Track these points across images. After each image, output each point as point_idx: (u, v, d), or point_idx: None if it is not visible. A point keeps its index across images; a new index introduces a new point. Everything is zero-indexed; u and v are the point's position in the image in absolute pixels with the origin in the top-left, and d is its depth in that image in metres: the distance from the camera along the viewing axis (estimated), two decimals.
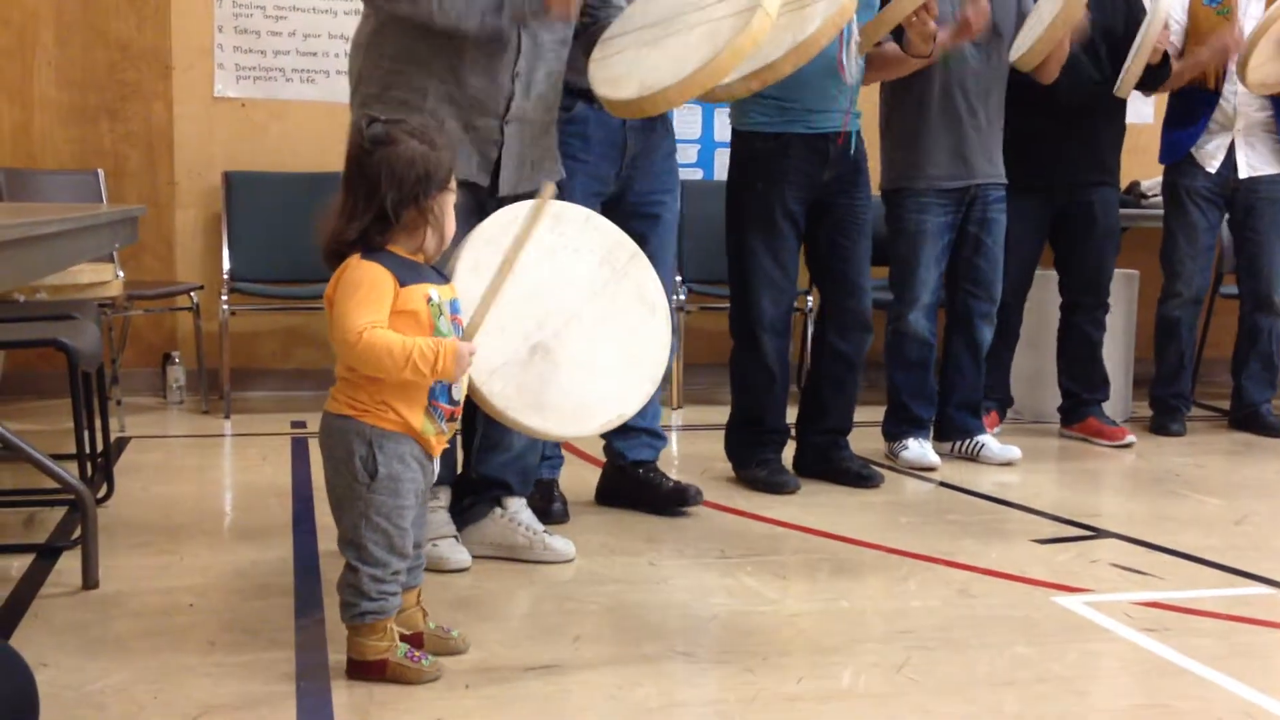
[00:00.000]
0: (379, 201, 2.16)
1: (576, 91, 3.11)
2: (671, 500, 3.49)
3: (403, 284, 2.17)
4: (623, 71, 2.83)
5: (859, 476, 3.88)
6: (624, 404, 2.53)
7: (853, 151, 3.75)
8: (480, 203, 2.85)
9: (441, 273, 2.31)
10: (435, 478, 2.33)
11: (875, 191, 3.99)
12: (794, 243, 3.79)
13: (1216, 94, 4.72)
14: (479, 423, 2.98)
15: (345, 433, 2.21)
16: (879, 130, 4.22)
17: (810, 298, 5.37)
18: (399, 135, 2.18)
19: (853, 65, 3.66)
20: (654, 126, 3.39)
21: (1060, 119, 4.42)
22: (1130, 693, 2.37)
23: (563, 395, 2.45)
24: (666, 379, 2.61)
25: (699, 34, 2.75)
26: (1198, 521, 3.57)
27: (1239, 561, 3.16)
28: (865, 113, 3.87)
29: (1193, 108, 4.77)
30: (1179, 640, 2.56)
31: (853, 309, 3.84)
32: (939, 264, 4.15)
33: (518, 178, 2.93)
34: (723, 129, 5.69)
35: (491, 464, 3.07)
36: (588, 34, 3.02)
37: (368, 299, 2.14)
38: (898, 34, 3.77)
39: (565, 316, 2.50)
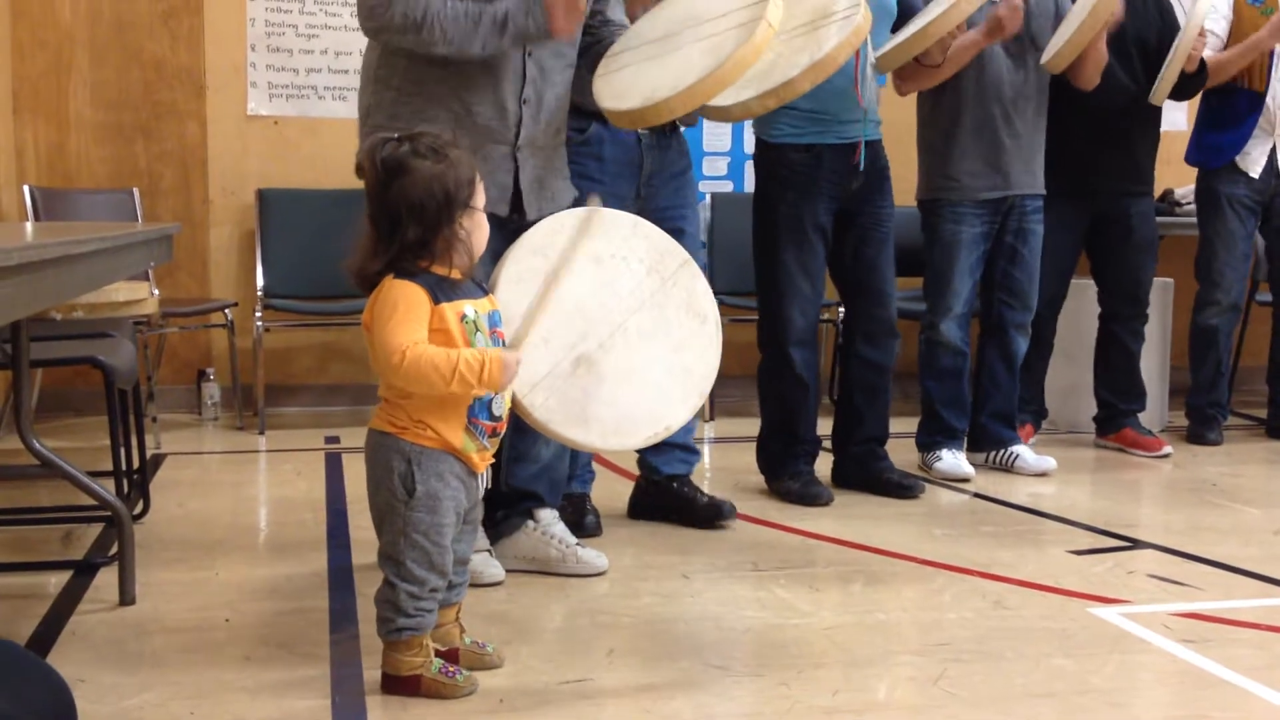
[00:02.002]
0: (402, 235, 2.14)
1: (590, 113, 3.11)
2: (706, 516, 3.48)
3: (436, 302, 2.15)
4: (627, 85, 2.82)
5: (900, 487, 3.87)
6: (670, 416, 2.48)
7: (864, 162, 3.72)
8: (501, 224, 2.84)
9: (480, 285, 2.29)
10: (482, 493, 2.33)
11: (904, 201, 3.98)
12: (822, 254, 3.78)
13: (1262, 96, 4.68)
14: (506, 435, 2.98)
15: (386, 449, 2.21)
16: (916, 140, 4.21)
17: (841, 309, 5.36)
18: (412, 161, 2.14)
19: (869, 87, 3.65)
20: (669, 144, 3.40)
21: (1097, 127, 4.39)
22: (1169, 704, 2.34)
23: (607, 408, 2.42)
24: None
25: (702, 47, 2.75)
26: (1236, 531, 3.53)
27: (1278, 571, 3.12)
28: (899, 121, 3.87)
29: (1237, 110, 4.73)
30: (1218, 651, 2.54)
31: (880, 316, 3.84)
32: (973, 274, 4.14)
33: (540, 202, 2.93)
34: (752, 141, 5.68)
35: (521, 476, 3.08)
36: (591, 54, 3.02)
37: (406, 318, 2.13)
38: None
39: (611, 327, 2.46)
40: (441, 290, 2.17)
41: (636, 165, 3.31)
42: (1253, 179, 4.72)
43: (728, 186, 5.74)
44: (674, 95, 2.69)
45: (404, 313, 2.13)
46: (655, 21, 2.98)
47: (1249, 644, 2.61)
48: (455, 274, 2.21)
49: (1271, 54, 4.63)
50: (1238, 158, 4.73)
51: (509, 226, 2.83)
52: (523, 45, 2.84)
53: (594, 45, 3.03)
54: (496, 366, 2.14)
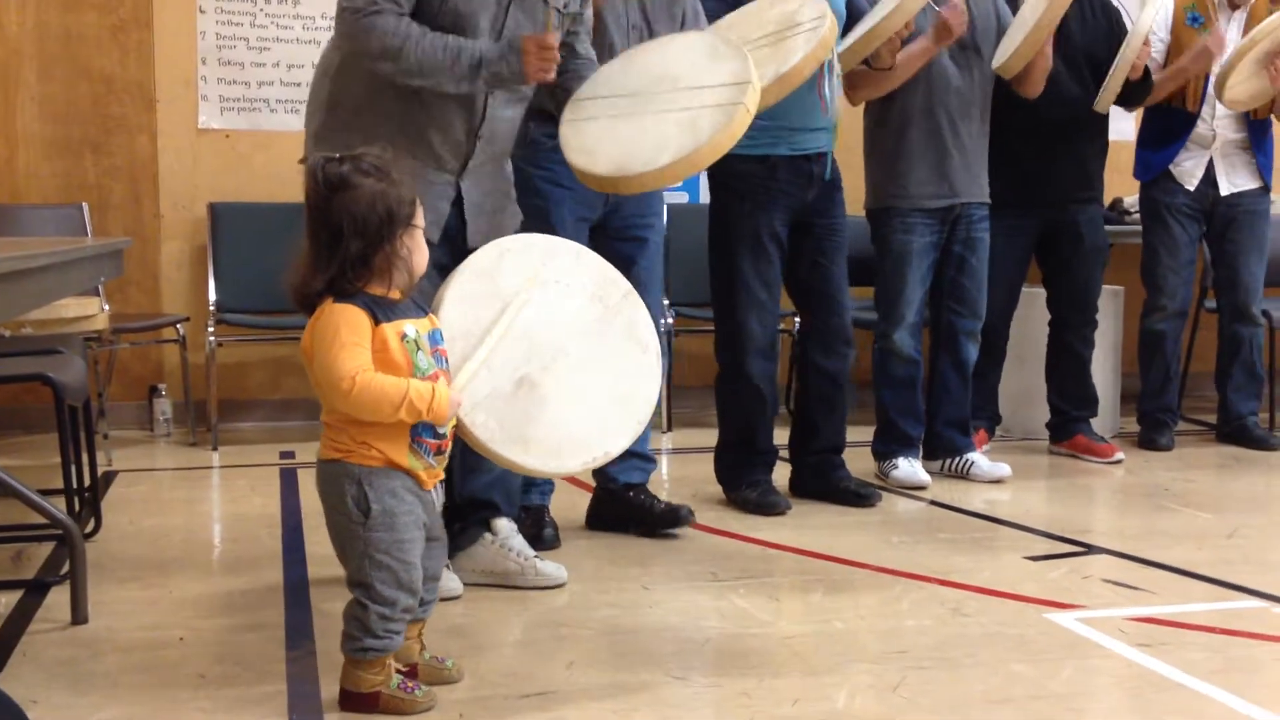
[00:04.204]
0: (344, 250, 2.13)
1: (559, 120, 3.10)
2: (664, 521, 3.48)
3: (377, 322, 2.15)
4: (596, 143, 2.83)
5: (856, 495, 3.88)
6: (609, 443, 2.48)
7: (829, 173, 3.77)
8: (451, 244, 2.85)
9: (419, 304, 2.29)
10: (439, 506, 2.33)
11: (853, 211, 4.01)
12: (779, 264, 3.80)
13: (1195, 115, 4.75)
14: (456, 450, 2.97)
15: (336, 476, 2.21)
16: (863, 150, 4.24)
17: (797, 319, 5.38)
18: (355, 178, 2.15)
19: (834, 99, 3.67)
20: None
21: (1046, 137, 4.43)
22: (1125, 708, 2.37)
23: (547, 430, 2.42)
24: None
25: (677, 122, 2.76)
26: (1189, 535, 3.57)
27: (1231, 575, 3.16)
28: (846, 132, 3.89)
29: (1171, 128, 4.80)
30: (1173, 655, 2.56)
31: (836, 326, 3.86)
32: (924, 283, 4.16)
33: (488, 228, 2.93)
34: None
35: (474, 485, 3.06)
36: (562, 82, 3.00)
37: (350, 342, 2.12)
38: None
39: (553, 352, 2.46)
40: (381, 310, 2.17)
41: None
42: (1189, 190, 4.79)
43: (683, 198, 5.75)
44: (646, 173, 2.72)
45: (346, 337, 2.13)
46: (627, 70, 2.98)
47: (1203, 647, 2.64)
48: (394, 294, 2.21)
49: (1205, 76, 4.69)
50: (1172, 168, 4.80)
51: (458, 245, 2.82)
52: (497, 88, 2.85)
53: (559, 75, 3.02)
54: (442, 403, 2.17)
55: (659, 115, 2.79)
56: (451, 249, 2.86)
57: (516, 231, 2.98)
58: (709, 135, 2.68)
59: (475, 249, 2.62)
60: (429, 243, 2.82)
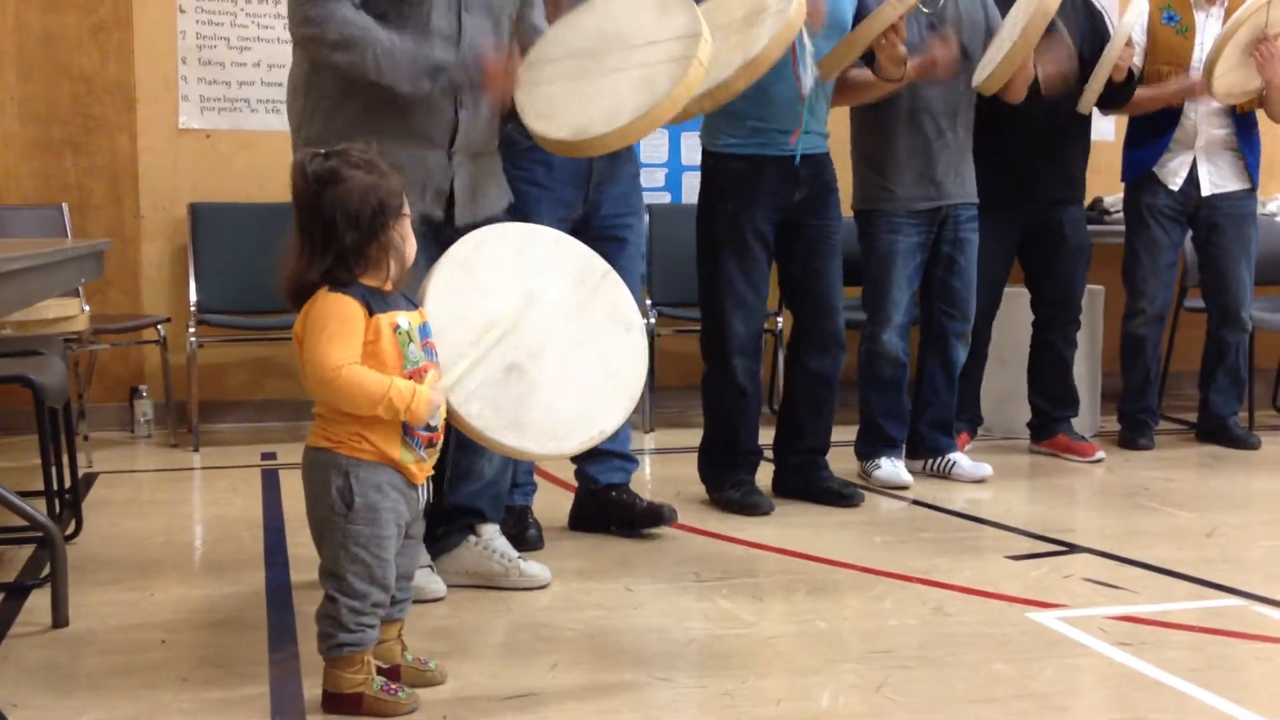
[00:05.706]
0: (338, 243, 2.15)
1: None
2: (646, 520, 3.49)
3: (371, 313, 2.17)
4: (553, 107, 2.83)
5: (839, 496, 3.88)
6: (604, 421, 2.50)
7: (805, 172, 3.75)
8: (436, 233, 2.84)
9: (409, 298, 2.31)
10: (423, 505, 2.33)
11: (846, 212, 4.01)
12: (765, 264, 3.80)
13: (1178, 111, 4.77)
14: (450, 452, 2.97)
15: (323, 465, 2.21)
16: (850, 151, 4.25)
17: (780, 319, 5.39)
18: (345, 170, 2.16)
19: (808, 76, 3.66)
20: (618, 152, 3.39)
21: (1029, 137, 4.44)
22: (1107, 707, 2.38)
23: (541, 414, 2.44)
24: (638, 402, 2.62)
25: (634, 79, 2.76)
26: (1169, 535, 3.59)
27: (1211, 574, 3.18)
28: (835, 134, 3.89)
29: (1155, 125, 4.81)
30: (1154, 654, 2.58)
31: (828, 328, 3.85)
32: (911, 284, 4.17)
33: (473, 208, 2.93)
34: (690, 152, 5.71)
35: (463, 493, 3.06)
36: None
37: (340, 333, 2.14)
38: (868, 59, 3.80)
39: (540, 336, 2.48)
40: (375, 301, 2.19)
41: (585, 173, 3.30)
42: (1172, 190, 4.81)
43: (665, 198, 5.75)
44: (609, 133, 2.73)
45: (338, 327, 2.14)
46: (576, 31, 2.96)
47: (1184, 646, 2.65)
48: (387, 286, 2.23)
49: (1188, 70, 4.71)
50: (1156, 169, 4.81)
51: (443, 235, 2.82)
52: (453, 95, 2.84)
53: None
54: (423, 402, 2.17)
55: (614, 74, 2.80)
56: (442, 232, 2.85)
57: (504, 214, 2.99)
58: (666, 90, 2.69)
59: (460, 228, 2.62)
60: (434, 219, 2.84)
